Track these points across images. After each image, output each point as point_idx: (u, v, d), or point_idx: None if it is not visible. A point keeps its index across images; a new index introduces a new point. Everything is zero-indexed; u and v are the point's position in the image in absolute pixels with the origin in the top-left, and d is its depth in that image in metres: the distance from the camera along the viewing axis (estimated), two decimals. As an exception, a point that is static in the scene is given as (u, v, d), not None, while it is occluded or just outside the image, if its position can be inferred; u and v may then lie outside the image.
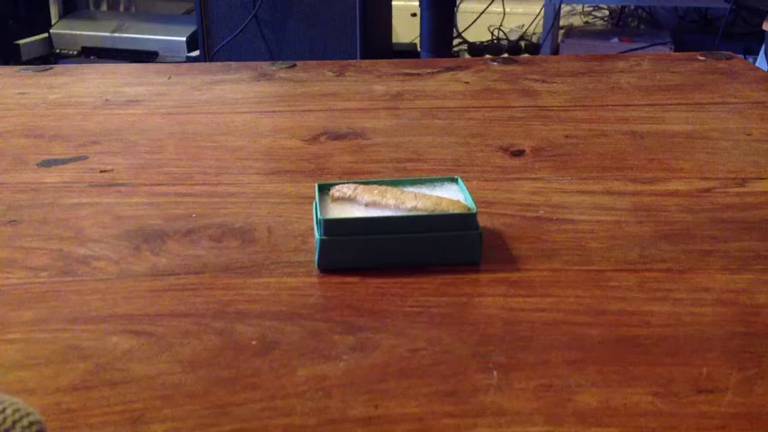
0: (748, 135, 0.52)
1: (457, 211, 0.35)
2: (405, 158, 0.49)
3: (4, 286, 0.34)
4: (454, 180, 0.38)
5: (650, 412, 0.26)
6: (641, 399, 0.27)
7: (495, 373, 0.28)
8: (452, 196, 0.37)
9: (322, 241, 0.34)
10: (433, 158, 0.49)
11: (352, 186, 0.36)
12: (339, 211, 0.36)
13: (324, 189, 0.38)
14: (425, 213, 0.35)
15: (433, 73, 0.67)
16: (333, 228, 0.34)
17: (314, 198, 0.42)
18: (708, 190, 0.43)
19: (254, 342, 0.30)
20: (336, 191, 0.37)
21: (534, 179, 0.45)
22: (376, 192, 0.36)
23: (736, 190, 0.43)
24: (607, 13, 2.04)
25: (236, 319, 0.31)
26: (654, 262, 0.36)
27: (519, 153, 0.49)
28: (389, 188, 0.37)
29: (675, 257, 0.36)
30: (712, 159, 0.47)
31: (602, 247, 0.37)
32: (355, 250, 0.34)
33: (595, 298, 0.33)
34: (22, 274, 0.35)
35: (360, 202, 0.36)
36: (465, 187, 0.38)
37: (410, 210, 0.35)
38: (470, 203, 0.36)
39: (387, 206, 0.35)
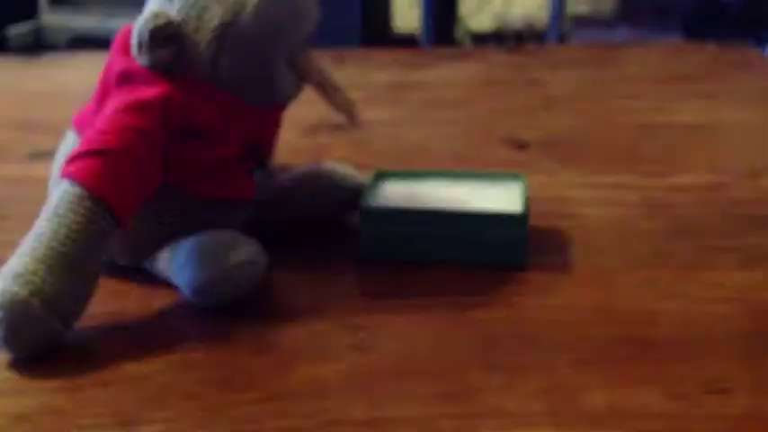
0: (761, 127, 0.50)
1: (503, 211, 0.34)
2: (406, 151, 0.48)
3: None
4: (518, 178, 0.37)
5: (659, 414, 0.25)
6: (650, 400, 0.26)
7: (499, 373, 0.27)
8: (503, 196, 0.35)
9: (362, 230, 0.34)
10: (434, 151, 0.48)
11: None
12: (390, 200, 0.36)
13: (381, 177, 0.38)
14: (469, 210, 0.34)
15: (435, 62, 0.66)
16: (373, 217, 0.34)
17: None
18: (719, 184, 0.42)
19: (249, 341, 0.29)
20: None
21: (540, 172, 0.44)
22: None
23: (749, 184, 0.42)
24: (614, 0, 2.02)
25: (232, 317, 0.31)
26: (663, 258, 0.35)
27: (524, 145, 0.48)
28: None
29: (686, 254, 0.35)
30: (724, 152, 0.46)
31: (610, 242, 0.36)
32: (395, 241, 0.34)
33: (603, 296, 0.32)
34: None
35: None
36: (525, 186, 0.36)
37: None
38: (520, 204, 0.34)
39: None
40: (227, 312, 0.31)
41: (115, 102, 0.30)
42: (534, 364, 0.28)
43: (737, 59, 0.65)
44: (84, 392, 0.27)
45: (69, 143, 0.33)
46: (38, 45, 1.80)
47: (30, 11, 1.83)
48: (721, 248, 0.35)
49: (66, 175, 0.29)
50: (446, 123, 0.52)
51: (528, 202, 0.36)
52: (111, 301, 0.32)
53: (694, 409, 0.25)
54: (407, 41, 1.69)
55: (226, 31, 0.30)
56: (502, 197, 0.35)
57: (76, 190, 0.28)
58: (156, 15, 0.30)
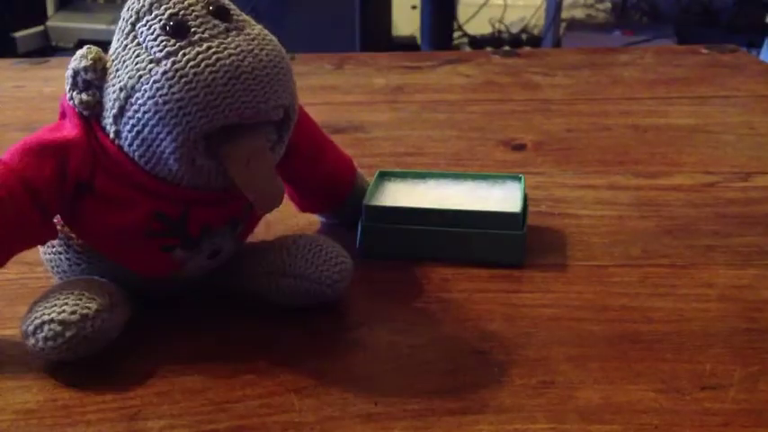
0: (752, 129, 0.51)
1: (501, 210, 0.34)
2: (405, 152, 0.48)
3: (1, 281, 0.34)
4: (518, 178, 0.37)
5: (653, 409, 0.26)
6: (644, 395, 0.26)
7: (496, 369, 0.28)
8: (502, 196, 0.36)
9: (363, 227, 0.35)
10: (433, 152, 0.48)
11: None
12: (391, 199, 0.36)
13: (384, 176, 0.38)
14: (467, 209, 0.34)
15: (434, 66, 0.67)
16: (374, 214, 0.34)
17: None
18: (711, 184, 0.43)
19: (252, 338, 0.30)
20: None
21: (536, 173, 0.44)
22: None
23: (740, 184, 0.43)
24: (609, 5, 2.03)
25: (235, 314, 0.31)
26: (657, 257, 0.35)
27: (520, 147, 0.49)
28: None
29: (678, 253, 0.36)
30: (716, 153, 0.47)
31: (605, 242, 0.37)
32: (396, 239, 0.34)
33: (597, 294, 0.33)
34: (19, 269, 0.35)
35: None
36: (524, 187, 0.36)
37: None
38: (518, 205, 0.35)
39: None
40: (231, 309, 0.31)
41: (27, 137, 0.28)
42: (531, 361, 0.28)
43: (729, 63, 0.66)
44: (90, 388, 0.27)
45: None
46: (45, 48, 1.80)
47: (37, 15, 1.83)
48: (713, 247, 0.36)
49: None
50: (444, 126, 0.53)
51: (527, 202, 0.37)
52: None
53: (688, 405, 0.26)
54: (407, 47, 1.70)
55: (128, 96, 0.26)
56: (502, 197, 0.36)
57: None
58: (84, 55, 0.27)
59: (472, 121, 0.54)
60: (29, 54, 1.67)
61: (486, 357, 0.28)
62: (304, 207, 0.37)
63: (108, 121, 0.27)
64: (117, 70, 0.27)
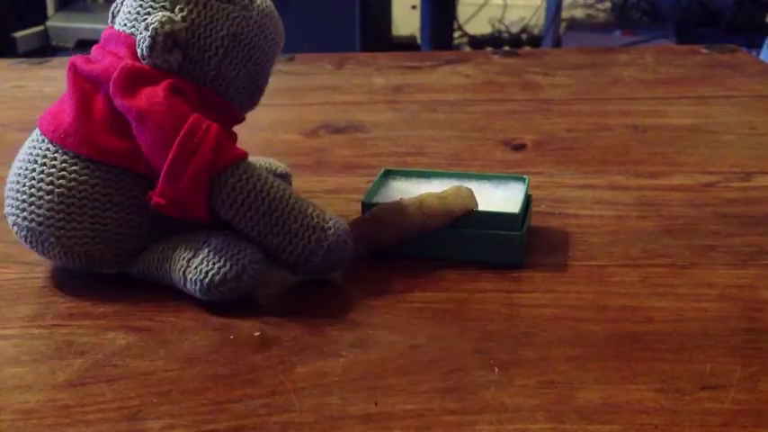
0: (752, 129, 0.51)
1: (501, 210, 0.34)
2: (405, 152, 0.48)
3: (1, 281, 0.34)
4: (521, 179, 0.37)
5: (653, 409, 0.26)
6: (644, 395, 0.26)
7: (496, 369, 0.28)
8: (504, 197, 0.36)
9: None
10: (433, 152, 0.48)
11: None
12: (391, 198, 0.36)
13: (388, 175, 0.38)
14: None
15: (434, 66, 0.67)
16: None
17: (312, 192, 0.42)
18: (711, 184, 0.43)
19: (252, 338, 0.30)
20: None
21: (536, 173, 0.44)
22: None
23: (740, 184, 0.43)
24: (609, 5, 2.03)
25: (235, 314, 0.31)
26: (657, 257, 0.35)
27: (520, 147, 0.49)
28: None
29: (678, 253, 0.36)
30: (715, 153, 0.47)
31: (605, 242, 0.37)
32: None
33: (597, 294, 0.33)
34: (19, 269, 0.35)
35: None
36: (527, 188, 0.36)
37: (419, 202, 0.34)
38: (518, 206, 0.35)
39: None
40: (230, 309, 0.31)
41: (143, 93, 0.30)
42: (531, 361, 0.28)
43: (729, 63, 0.66)
44: (90, 388, 0.27)
45: (33, 142, 0.32)
46: (45, 48, 1.80)
47: (37, 15, 1.83)
48: (713, 247, 0.36)
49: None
50: (444, 126, 0.53)
51: (529, 203, 0.37)
52: (113, 300, 0.32)
53: (688, 405, 0.26)
54: (407, 46, 1.70)
55: (233, 41, 0.32)
56: (504, 198, 0.36)
57: None
58: (167, 20, 0.31)
59: (472, 121, 0.54)
60: (29, 54, 1.67)
61: (486, 357, 0.28)
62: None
63: (205, 68, 0.32)
64: (208, 24, 0.32)
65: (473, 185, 0.37)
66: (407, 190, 0.37)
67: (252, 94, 0.34)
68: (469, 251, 0.34)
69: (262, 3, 0.33)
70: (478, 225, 0.34)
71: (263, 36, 0.33)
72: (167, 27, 0.31)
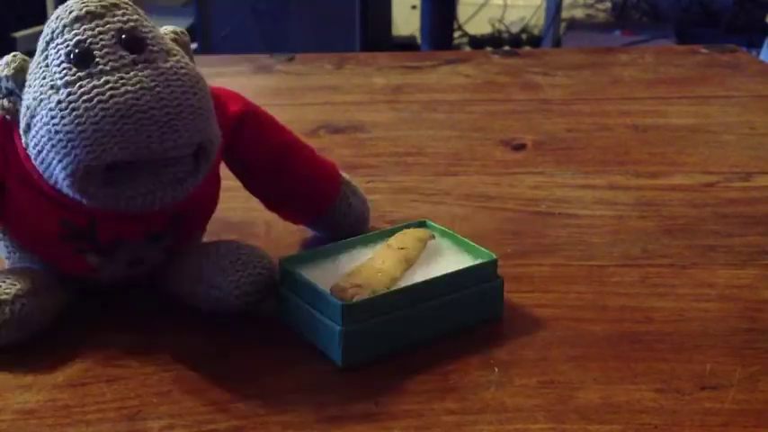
0: (752, 129, 0.51)
1: (480, 261, 0.30)
2: (404, 152, 0.48)
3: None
4: (422, 224, 0.33)
5: (653, 409, 0.26)
6: (644, 395, 0.26)
7: (496, 369, 0.28)
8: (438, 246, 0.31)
9: (346, 333, 0.27)
10: (433, 152, 0.48)
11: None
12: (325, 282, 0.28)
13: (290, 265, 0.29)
14: (450, 272, 0.29)
15: (434, 66, 0.67)
16: (357, 313, 0.27)
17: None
18: (711, 184, 0.43)
19: (252, 338, 0.30)
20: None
21: (536, 173, 0.44)
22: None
23: (740, 184, 0.43)
24: (609, 5, 2.04)
25: (235, 314, 0.31)
26: (657, 257, 0.35)
27: (520, 147, 0.49)
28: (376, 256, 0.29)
29: (678, 253, 0.36)
30: (715, 153, 0.47)
31: (605, 242, 0.37)
32: (385, 333, 0.28)
33: (597, 294, 0.33)
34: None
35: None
36: (436, 226, 0.32)
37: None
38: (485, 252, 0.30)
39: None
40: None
41: None
42: (531, 361, 0.28)
43: (729, 63, 0.66)
44: (90, 388, 0.27)
45: None
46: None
47: (37, 15, 1.83)
48: (713, 247, 0.36)
49: None
50: (444, 126, 0.53)
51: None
52: (113, 300, 0.32)
53: (688, 405, 0.26)
54: (407, 47, 1.70)
55: (32, 115, 0.26)
56: (433, 248, 0.31)
57: None
58: (8, 63, 0.27)
59: (472, 121, 0.54)
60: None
61: (486, 357, 0.28)
62: (285, 218, 0.36)
63: (20, 131, 0.27)
64: (29, 86, 0.27)
65: (379, 245, 0.31)
66: (324, 277, 0.29)
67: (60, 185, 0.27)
68: (454, 317, 0.29)
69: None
70: (457, 285, 0.29)
71: (68, 129, 0.25)
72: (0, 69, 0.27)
